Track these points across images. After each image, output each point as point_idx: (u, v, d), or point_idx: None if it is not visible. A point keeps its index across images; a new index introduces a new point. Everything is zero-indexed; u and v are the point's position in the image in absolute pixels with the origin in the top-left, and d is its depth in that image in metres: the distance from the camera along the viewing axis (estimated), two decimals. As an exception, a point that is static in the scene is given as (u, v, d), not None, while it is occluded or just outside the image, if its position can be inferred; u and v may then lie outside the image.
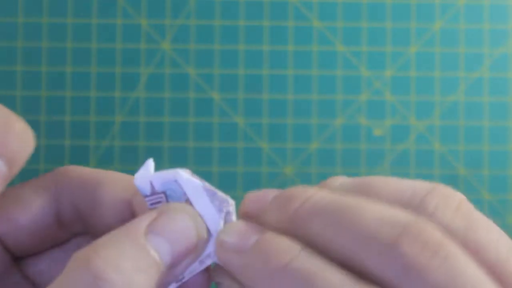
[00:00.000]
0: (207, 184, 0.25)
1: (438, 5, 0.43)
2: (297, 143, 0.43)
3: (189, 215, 0.23)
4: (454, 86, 0.43)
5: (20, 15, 0.43)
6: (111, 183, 0.27)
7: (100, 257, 0.21)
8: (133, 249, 0.22)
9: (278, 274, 0.21)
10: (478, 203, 0.43)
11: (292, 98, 0.43)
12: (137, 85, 0.43)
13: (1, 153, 0.23)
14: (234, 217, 0.25)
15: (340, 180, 0.24)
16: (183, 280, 0.24)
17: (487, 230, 0.21)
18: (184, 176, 0.24)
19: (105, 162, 0.42)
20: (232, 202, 0.25)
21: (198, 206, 0.24)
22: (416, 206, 0.21)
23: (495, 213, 0.43)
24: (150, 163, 0.25)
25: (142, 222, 0.23)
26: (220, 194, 0.25)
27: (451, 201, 0.21)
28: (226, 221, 0.24)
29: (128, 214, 0.27)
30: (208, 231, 0.24)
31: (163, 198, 0.24)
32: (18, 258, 0.28)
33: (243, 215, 0.25)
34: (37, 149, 0.42)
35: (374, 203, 0.21)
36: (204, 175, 0.43)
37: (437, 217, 0.21)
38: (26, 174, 0.42)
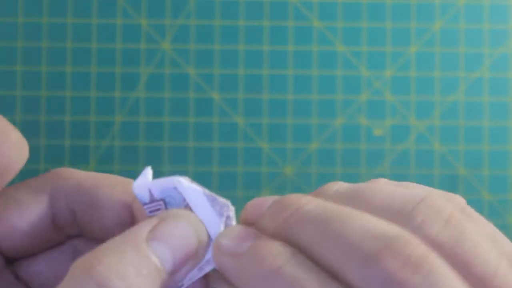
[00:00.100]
0: (206, 190, 0.25)
1: (438, 5, 0.43)
2: (297, 143, 0.43)
3: (190, 221, 0.23)
4: (454, 86, 0.43)
5: (20, 15, 0.43)
6: (109, 185, 0.27)
7: (102, 264, 0.21)
8: (135, 255, 0.22)
9: (270, 278, 0.21)
10: (478, 203, 0.43)
11: (292, 98, 0.43)
12: (137, 85, 0.43)
13: None
14: (234, 222, 0.25)
15: (336, 186, 0.24)
16: (182, 287, 0.24)
17: (476, 242, 0.20)
18: (184, 183, 0.24)
19: (105, 162, 0.42)
20: (232, 207, 0.25)
21: (199, 212, 0.24)
22: (405, 217, 0.21)
23: (495, 213, 0.43)
24: (148, 171, 0.25)
25: (143, 229, 0.23)
26: (221, 199, 0.25)
27: (440, 213, 0.21)
28: (226, 225, 0.24)
29: (127, 217, 0.27)
30: (209, 236, 0.24)
31: (162, 205, 0.24)
32: (12, 260, 0.28)
33: (243, 222, 0.25)
34: (37, 149, 0.42)
35: (361, 214, 0.21)
36: (204, 175, 0.43)
37: (424, 229, 0.20)
38: (26, 174, 0.42)
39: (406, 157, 0.43)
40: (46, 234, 0.27)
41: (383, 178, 0.25)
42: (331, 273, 0.21)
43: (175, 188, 0.24)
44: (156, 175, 0.42)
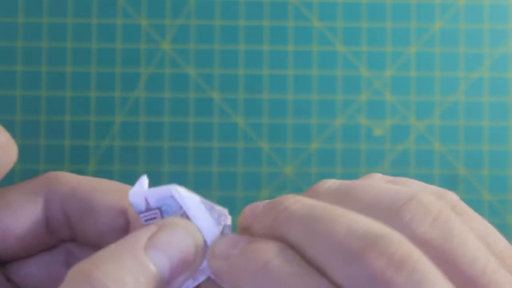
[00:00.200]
0: (204, 199, 0.25)
1: (438, 5, 0.43)
2: (297, 143, 0.43)
3: (188, 230, 0.23)
4: (454, 86, 0.43)
5: (20, 15, 0.43)
6: (105, 191, 0.27)
7: (100, 271, 0.21)
8: (133, 263, 0.22)
9: (258, 273, 0.21)
10: (478, 203, 0.43)
11: (292, 98, 0.43)
12: (137, 85, 0.43)
13: None
14: (230, 231, 0.25)
15: (328, 184, 0.24)
16: None
17: (464, 240, 0.20)
18: (181, 191, 0.24)
19: (105, 162, 0.42)
20: (229, 216, 0.25)
21: (197, 220, 0.24)
22: (393, 215, 0.21)
23: (495, 213, 0.43)
24: (144, 180, 0.25)
25: (141, 236, 0.23)
26: (218, 208, 0.25)
27: (429, 211, 0.21)
28: (223, 234, 0.25)
29: (122, 223, 0.26)
30: (206, 244, 0.24)
31: (158, 214, 0.25)
32: (3, 262, 0.27)
33: (240, 226, 0.25)
34: (37, 149, 0.42)
35: (348, 213, 0.21)
36: (204, 175, 0.43)
37: (411, 227, 0.20)
38: (26, 174, 0.42)
39: (406, 157, 0.43)
40: (40, 237, 0.27)
41: (378, 174, 0.25)
42: (318, 270, 0.21)
43: (171, 196, 0.24)
44: (156, 175, 0.42)
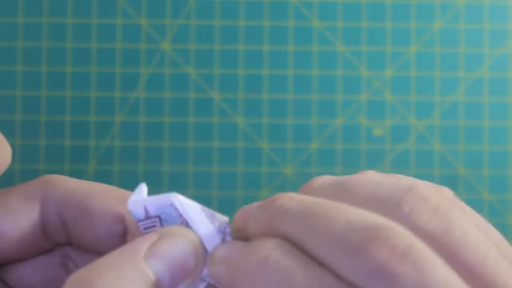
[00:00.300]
0: (204, 207, 0.25)
1: (438, 5, 0.43)
2: (297, 143, 0.43)
3: (189, 239, 0.23)
4: (454, 86, 0.43)
5: (20, 15, 0.43)
6: (103, 196, 0.27)
7: (101, 279, 0.21)
8: (133, 272, 0.22)
9: (258, 269, 0.21)
10: (478, 203, 0.43)
11: (292, 98, 0.43)
12: (137, 85, 0.43)
13: None
14: (231, 238, 0.25)
15: (321, 180, 0.24)
16: None
17: (465, 231, 0.20)
18: (181, 199, 0.24)
19: (105, 162, 0.42)
20: (230, 224, 0.25)
21: (197, 228, 0.24)
22: (392, 207, 0.21)
23: (495, 213, 0.43)
24: (143, 188, 0.25)
25: (142, 245, 0.23)
26: (219, 215, 0.25)
27: (428, 203, 0.21)
28: (224, 241, 0.24)
29: (119, 229, 0.26)
30: (207, 252, 0.24)
31: (157, 222, 0.24)
32: None
33: (235, 230, 0.25)
34: (37, 149, 0.42)
35: (346, 206, 0.21)
36: (204, 175, 0.43)
37: (412, 219, 0.20)
38: (26, 174, 0.42)
39: (406, 157, 0.43)
40: (36, 241, 0.27)
41: (371, 170, 0.24)
42: (319, 263, 0.21)
43: (171, 204, 0.24)
44: (156, 175, 0.42)
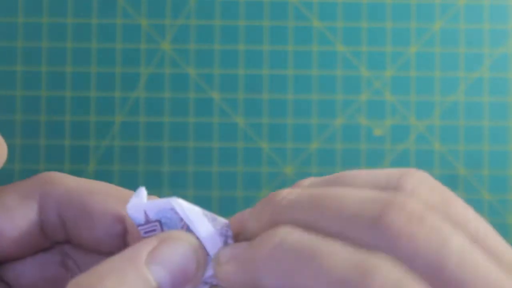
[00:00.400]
0: (205, 211, 0.24)
1: (438, 5, 0.43)
2: (297, 143, 0.43)
3: (190, 244, 0.23)
4: (454, 86, 0.43)
5: (20, 15, 0.43)
6: (103, 195, 0.26)
7: (103, 285, 0.21)
8: (134, 277, 0.22)
9: (275, 253, 0.21)
10: (478, 203, 0.43)
11: (292, 98, 0.43)
12: (137, 85, 0.43)
13: None
14: (233, 241, 0.25)
15: (310, 180, 0.24)
16: None
17: (464, 207, 0.21)
18: (183, 204, 0.24)
19: (105, 162, 0.42)
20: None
21: (199, 232, 0.24)
22: (393, 188, 0.21)
23: (495, 213, 0.43)
24: (143, 192, 0.24)
25: (142, 250, 0.23)
26: (220, 219, 0.25)
27: (426, 182, 0.21)
28: (226, 244, 0.24)
29: (119, 229, 0.26)
30: (209, 256, 0.24)
31: (158, 226, 0.24)
32: None
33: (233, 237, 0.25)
34: (37, 149, 0.42)
35: (352, 187, 0.22)
36: (204, 175, 0.43)
37: (415, 194, 0.21)
38: (26, 174, 0.42)
39: (406, 157, 0.43)
40: (34, 240, 0.27)
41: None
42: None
43: (171, 209, 0.24)
44: (156, 175, 0.42)
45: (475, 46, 0.43)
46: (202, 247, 0.24)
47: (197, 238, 0.24)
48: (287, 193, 0.23)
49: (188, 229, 0.24)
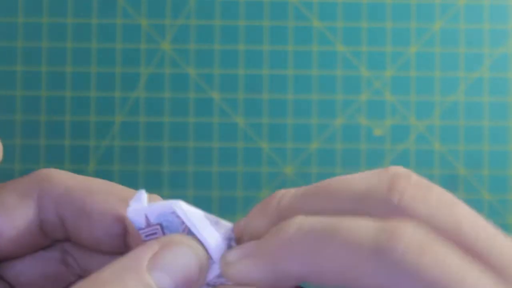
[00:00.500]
0: (207, 214, 0.24)
1: (438, 5, 0.43)
2: (297, 143, 0.43)
3: (192, 248, 0.23)
4: (454, 86, 0.43)
5: (20, 15, 0.43)
6: (102, 194, 0.26)
7: None
8: (136, 284, 0.21)
9: (296, 237, 0.21)
10: (478, 203, 0.43)
11: (292, 98, 0.43)
12: (137, 85, 0.43)
13: None
14: (235, 244, 0.24)
15: (283, 192, 0.24)
16: None
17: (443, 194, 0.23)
18: (184, 208, 0.24)
19: (105, 162, 0.42)
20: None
21: (202, 236, 0.24)
22: (389, 179, 0.22)
23: (495, 213, 0.43)
24: (143, 195, 0.24)
25: (143, 255, 0.22)
26: (223, 222, 0.24)
27: (412, 180, 0.22)
28: (230, 247, 0.24)
29: (119, 229, 0.26)
30: (212, 260, 0.24)
31: (159, 229, 0.24)
32: None
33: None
34: (37, 149, 0.42)
35: (350, 175, 0.23)
36: (204, 175, 0.43)
37: (407, 207, 0.22)
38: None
39: (406, 157, 0.43)
40: (33, 239, 0.26)
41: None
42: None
43: (173, 212, 0.24)
44: (156, 175, 0.42)
45: (475, 46, 0.43)
46: (203, 250, 0.23)
47: (199, 241, 0.24)
48: (287, 190, 0.23)
49: (189, 232, 0.24)
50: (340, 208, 0.22)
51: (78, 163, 0.42)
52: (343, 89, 0.43)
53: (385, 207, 0.21)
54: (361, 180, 0.22)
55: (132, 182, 0.42)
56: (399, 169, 0.22)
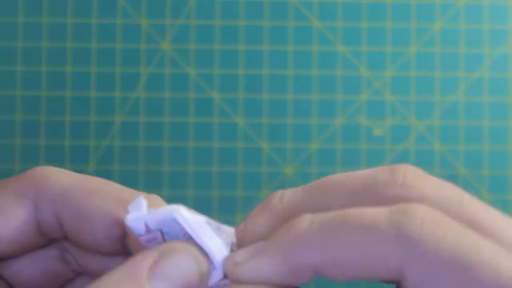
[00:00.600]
0: (209, 219, 0.24)
1: (438, 5, 0.43)
2: (297, 143, 0.43)
3: (192, 255, 0.23)
4: (454, 86, 0.43)
5: (20, 15, 0.43)
6: (101, 195, 0.25)
7: None
8: None
9: (310, 230, 0.21)
10: (478, 203, 0.43)
11: (292, 98, 0.43)
12: (137, 85, 0.43)
13: None
14: (236, 248, 0.24)
15: (281, 192, 0.24)
16: None
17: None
18: (185, 214, 0.23)
19: (105, 162, 0.42)
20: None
21: (204, 243, 0.23)
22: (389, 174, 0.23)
23: (495, 213, 0.43)
24: (142, 202, 0.23)
25: (143, 264, 0.22)
26: (225, 227, 0.24)
27: (411, 171, 0.23)
28: (231, 252, 0.24)
29: (118, 232, 0.25)
30: (214, 266, 0.23)
31: (159, 235, 0.23)
32: None
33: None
34: (37, 149, 0.42)
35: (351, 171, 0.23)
36: (204, 175, 0.43)
37: (407, 187, 0.23)
38: (26, 174, 0.42)
39: (406, 157, 0.43)
40: (31, 239, 0.26)
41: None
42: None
43: (173, 219, 0.23)
44: (156, 175, 0.42)
45: (475, 46, 0.43)
46: (204, 256, 0.23)
47: (200, 247, 0.23)
48: (284, 190, 0.23)
49: (190, 237, 0.23)
50: (345, 202, 0.22)
51: (78, 163, 0.42)
52: (343, 89, 0.43)
53: (390, 190, 0.21)
54: (362, 173, 0.22)
55: (132, 182, 0.42)
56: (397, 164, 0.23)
